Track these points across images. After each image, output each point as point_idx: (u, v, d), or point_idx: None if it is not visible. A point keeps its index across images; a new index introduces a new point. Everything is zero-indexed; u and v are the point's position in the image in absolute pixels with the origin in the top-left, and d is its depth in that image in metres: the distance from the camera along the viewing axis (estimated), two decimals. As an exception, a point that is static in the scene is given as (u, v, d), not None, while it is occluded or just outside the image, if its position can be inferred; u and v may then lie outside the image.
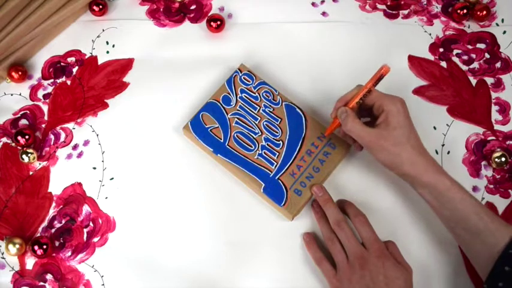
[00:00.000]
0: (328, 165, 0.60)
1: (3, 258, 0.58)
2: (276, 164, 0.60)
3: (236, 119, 0.62)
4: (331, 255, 0.55)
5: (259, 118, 0.62)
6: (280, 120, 0.62)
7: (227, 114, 0.62)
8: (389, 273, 0.51)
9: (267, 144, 0.61)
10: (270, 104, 0.63)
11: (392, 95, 0.56)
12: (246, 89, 0.64)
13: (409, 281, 0.52)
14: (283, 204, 0.58)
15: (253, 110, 0.63)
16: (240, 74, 0.64)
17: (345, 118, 0.56)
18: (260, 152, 0.60)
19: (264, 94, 0.63)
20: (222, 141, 0.61)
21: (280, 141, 0.61)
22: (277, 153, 0.60)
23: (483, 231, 0.50)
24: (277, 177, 0.59)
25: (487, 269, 0.49)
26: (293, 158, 0.60)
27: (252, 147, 0.61)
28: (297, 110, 0.63)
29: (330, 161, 0.60)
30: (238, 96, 0.63)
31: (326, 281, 0.55)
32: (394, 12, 0.72)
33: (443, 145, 0.63)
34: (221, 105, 0.63)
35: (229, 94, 0.63)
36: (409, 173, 0.53)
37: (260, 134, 0.61)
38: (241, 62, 0.65)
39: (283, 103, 0.63)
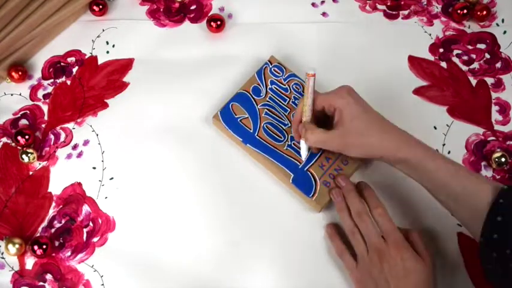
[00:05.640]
0: (356, 158, 0.59)
1: (2, 258, 0.58)
2: None
3: (266, 109, 0.62)
4: (353, 247, 0.54)
5: (289, 110, 0.62)
6: None
7: (257, 105, 0.62)
8: (407, 265, 0.50)
9: None
10: (300, 96, 0.62)
11: (337, 88, 0.55)
12: (276, 81, 0.63)
13: (425, 273, 0.50)
14: (312, 195, 0.58)
15: (283, 102, 0.62)
16: (270, 66, 0.64)
17: (305, 134, 0.55)
18: (289, 143, 0.60)
19: (293, 86, 0.63)
20: (251, 131, 0.61)
21: None
22: None
23: (464, 194, 0.49)
24: (306, 168, 0.59)
25: (479, 229, 0.48)
26: (322, 149, 0.60)
27: (281, 138, 0.61)
28: None
29: None
30: (268, 88, 0.63)
31: (348, 274, 0.55)
32: (394, 12, 0.72)
33: (444, 145, 0.63)
34: (251, 95, 0.62)
35: (259, 85, 0.63)
36: (383, 155, 0.53)
37: (289, 125, 0.61)
38: (272, 54, 0.65)
39: None
